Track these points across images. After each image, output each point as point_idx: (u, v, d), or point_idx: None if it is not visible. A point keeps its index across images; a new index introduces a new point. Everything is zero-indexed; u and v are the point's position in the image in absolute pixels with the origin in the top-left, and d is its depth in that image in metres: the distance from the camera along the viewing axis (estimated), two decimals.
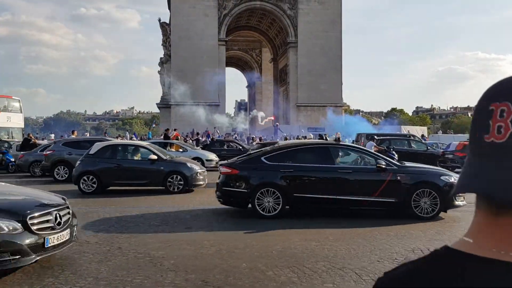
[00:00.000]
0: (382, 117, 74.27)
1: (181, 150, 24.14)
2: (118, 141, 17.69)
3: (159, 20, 55.84)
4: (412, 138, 28.57)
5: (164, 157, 15.05)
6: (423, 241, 7.88)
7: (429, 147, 25.97)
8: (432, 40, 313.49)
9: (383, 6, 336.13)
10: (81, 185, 14.29)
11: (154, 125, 53.88)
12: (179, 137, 30.63)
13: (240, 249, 7.27)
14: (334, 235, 8.31)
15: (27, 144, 24.58)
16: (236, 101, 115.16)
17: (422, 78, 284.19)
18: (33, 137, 28.63)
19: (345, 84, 53.69)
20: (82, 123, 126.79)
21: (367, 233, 8.54)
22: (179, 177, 14.45)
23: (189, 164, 15.06)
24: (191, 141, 33.42)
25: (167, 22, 53.72)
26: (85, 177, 14.32)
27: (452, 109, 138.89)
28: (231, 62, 69.36)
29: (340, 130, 38.79)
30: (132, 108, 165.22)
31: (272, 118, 51.85)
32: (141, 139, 38.22)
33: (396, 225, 9.26)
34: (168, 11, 53.59)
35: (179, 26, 49.56)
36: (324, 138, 24.16)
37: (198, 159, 22.84)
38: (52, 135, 42.12)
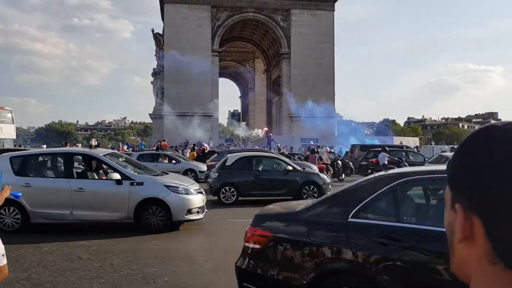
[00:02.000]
0: (374, 128, 74.67)
1: (173, 162, 23.85)
2: (252, 153, 18.41)
3: (152, 30, 56.09)
4: (411, 149, 29.38)
5: (299, 168, 15.58)
6: None
7: (426, 158, 26.17)
8: (423, 52, 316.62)
9: (375, 19, 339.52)
10: (221, 196, 14.61)
11: (143, 140, 53.99)
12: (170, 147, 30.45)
13: None
14: None
15: None
16: (229, 111, 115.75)
17: (413, 89, 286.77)
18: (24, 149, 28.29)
19: (337, 95, 53.97)
20: (74, 133, 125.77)
21: None
22: (313, 187, 14.78)
23: (321, 175, 15.74)
24: (181, 152, 32.83)
25: (161, 32, 53.86)
26: (225, 188, 14.64)
27: (443, 120, 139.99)
28: (224, 72, 69.61)
29: (333, 141, 38.93)
30: (125, 118, 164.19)
31: (266, 129, 51.76)
32: (133, 150, 38.12)
33: None
34: (162, 22, 53.77)
35: (172, 37, 49.65)
36: (316, 150, 24.02)
37: (191, 170, 22.68)
38: (44, 146, 41.92)
